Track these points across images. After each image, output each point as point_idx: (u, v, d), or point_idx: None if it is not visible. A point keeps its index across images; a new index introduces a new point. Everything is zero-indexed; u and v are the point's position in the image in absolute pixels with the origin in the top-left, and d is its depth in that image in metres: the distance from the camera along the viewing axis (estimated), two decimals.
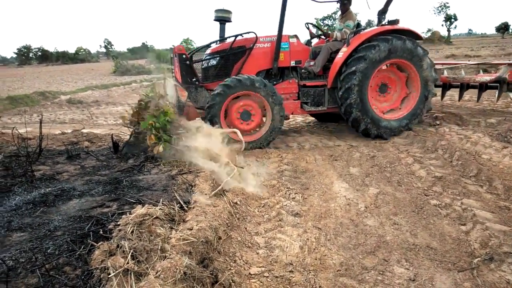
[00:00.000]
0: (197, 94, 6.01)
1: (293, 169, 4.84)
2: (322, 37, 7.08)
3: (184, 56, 5.94)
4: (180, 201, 3.27)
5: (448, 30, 59.38)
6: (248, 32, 6.22)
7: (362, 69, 5.74)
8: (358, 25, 6.58)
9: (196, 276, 2.20)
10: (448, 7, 60.88)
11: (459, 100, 7.75)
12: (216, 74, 6.13)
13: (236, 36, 6.13)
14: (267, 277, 2.62)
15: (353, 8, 6.60)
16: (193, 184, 3.71)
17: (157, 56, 35.59)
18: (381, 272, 2.68)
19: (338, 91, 6.01)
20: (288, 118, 6.67)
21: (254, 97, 5.71)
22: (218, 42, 6.49)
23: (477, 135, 5.76)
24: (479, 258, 2.77)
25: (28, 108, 11.50)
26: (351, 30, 6.27)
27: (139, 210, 2.72)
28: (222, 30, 6.60)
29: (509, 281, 2.50)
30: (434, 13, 66.88)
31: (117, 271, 2.00)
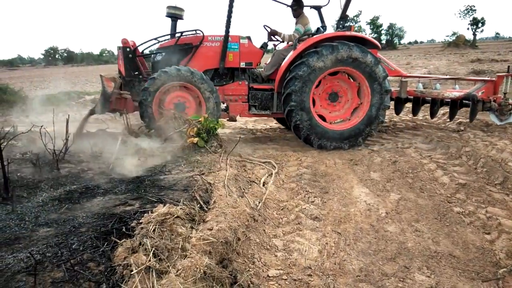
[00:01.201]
0: (140, 87, 5.91)
1: (312, 173, 4.81)
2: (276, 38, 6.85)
3: (128, 49, 5.97)
4: (200, 202, 3.31)
5: (474, 34, 57.85)
6: (194, 30, 6.20)
7: (302, 75, 5.51)
8: (318, 30, 6.46)
9: (216, 276, 2.22)
10: (475, 10, 59.39)
11: (431, 118, 7.13)
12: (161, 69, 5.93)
13: (181, 33, 6.11)
14: (285, 279, 2.62)
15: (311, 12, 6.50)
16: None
17: None
18: (401, 279, 2.65)
19: (282, 96, 5.84)
20: (235, 120, 6.60)
21: (186, 88, 5.67)
22: (169, 38, 6.45)
23: (503, 142, 5.60)
24: (505, 269, 2.69)
25: (54, 108, 11.84)
26: (300, 34, 6.14)
27: (161, 209, 2.76)
28: (173, 27, 6.54)
29: None
30: (460, 17, 65.32)
31: (139, 268, 2.04)
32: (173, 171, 4.17)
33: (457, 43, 44.26)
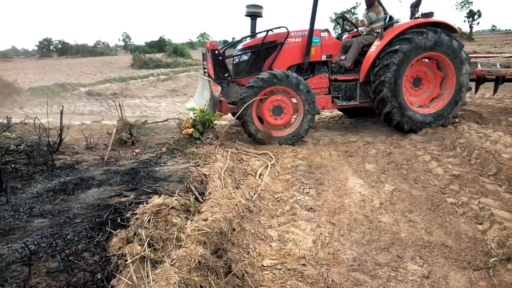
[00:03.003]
0: (229, 89, 6.06)
1: (307, 164, 4.83)
2: (354, 29, 7.05)
3: (216, 52, 5.99)
4: (196, 193, 3.32)
5: (471, 26, 57.78)
6: (279, 27, 6.26)
7: (396, 62, 5.74)
8: (390, 18, 6.55)
9: (210, 265, 2.24)
10: (471, 2, 59.28)
11: (493, 94, 7.60)
12: (248, 69, 6.13)
13: (267, 31, 6.12)
14: (279, 269, 2.64)
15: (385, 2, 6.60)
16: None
17: (174, 50, 35.84)
18: (394, 269, 2.68)
19: (371, 85, 6.00)
20: (319, 113, 6.64)
21: (287, 93, 5.72)
22: (249, 37, 6.50)
23: (497, 134, 5.63)
24: (495, 258, 2.73)
25: (48, 99, 11.76)
26: (370, 21, 6.32)
27: (156, 200, 2.77)
28: (253, 26, 6.63)
29: None
30: (456, 9, 65.18)
31: (134, 258, 2.05)
32: (168, 162, 4.17)
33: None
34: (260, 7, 6.52)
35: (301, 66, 6.27)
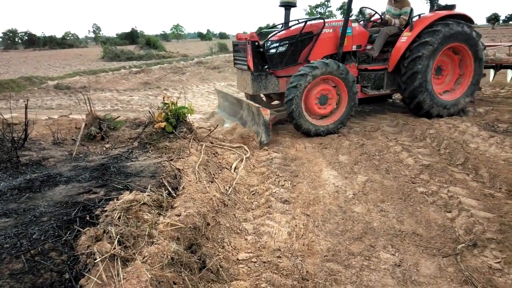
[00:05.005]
0: (267, 81, 6.02)
1: (282, 157, 4.84)
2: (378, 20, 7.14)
3: (256, 43, 5.89)
4: (169, 188, 3.25)
5: None
6: (316, 18, 6.30)
7: (427, 54, 6.01)
8: (411, 10, 6.68)
9: (184, 261, 2.20)
10: None
11: (491, 80, 8.36)
12: (285, 61, 6.02)
13: (305, 22, 6.04)
14: (255, 262, 2.64)
15: None
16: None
17: (146, 42, 35.05)
18: (367, 258, 2.72)
19: (402, 76, 6.20)
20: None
21: (333, 81, 5.71)
22: (282, 28, 6.42)
23: (465, 124, 5.83)
24: (463, 244, 2.82)
25: (14, 94, 11.26)
26: (407, 15, 6.47)
27: (127, 196, 2.70)
28: (287, 16, 6.56)
29: (491, 266, 2.56)
30: (424, 2, 66.75)
31: (103, 256, 1.99)
32: (140, 157, 4.07)
33: None
34: None
35: (333, 56, 6.25)
